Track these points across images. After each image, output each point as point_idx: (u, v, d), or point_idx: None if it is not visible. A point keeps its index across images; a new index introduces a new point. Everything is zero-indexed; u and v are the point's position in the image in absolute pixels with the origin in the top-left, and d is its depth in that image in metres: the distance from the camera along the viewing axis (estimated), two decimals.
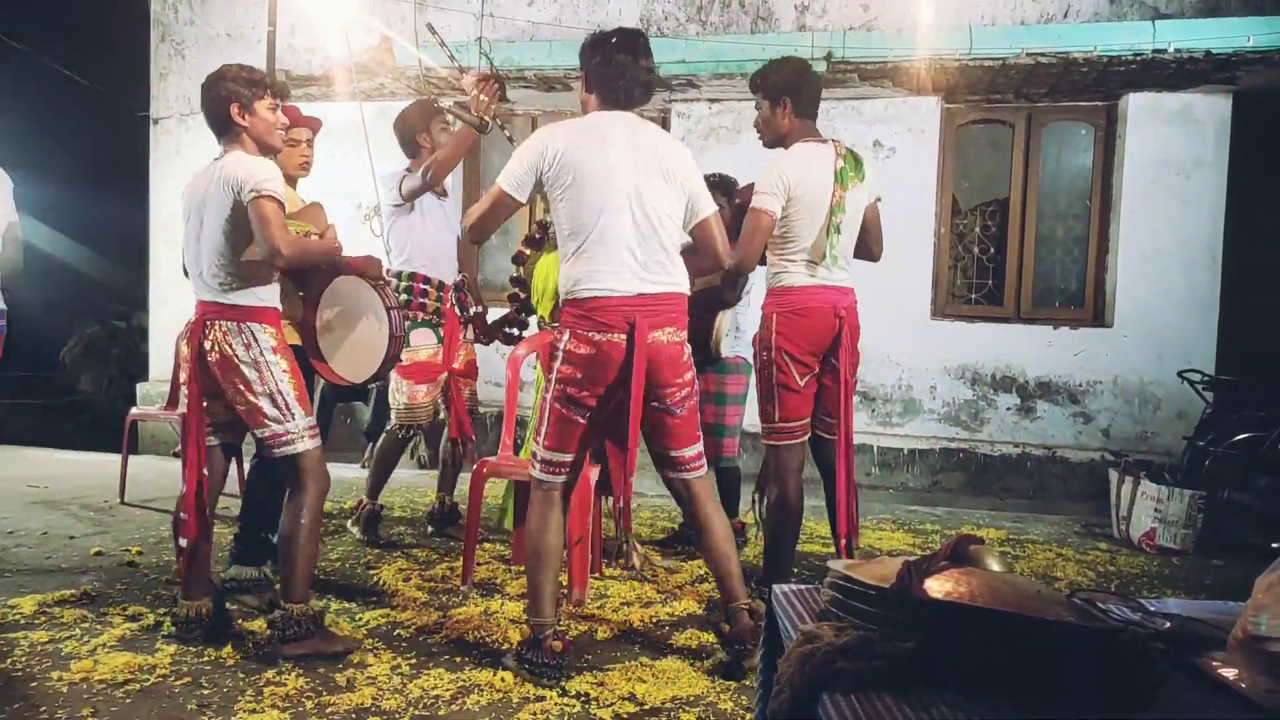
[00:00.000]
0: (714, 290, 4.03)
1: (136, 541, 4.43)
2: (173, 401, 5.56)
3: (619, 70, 2.93)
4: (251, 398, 2.99)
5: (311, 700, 2.73)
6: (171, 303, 7.23)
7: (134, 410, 5.68)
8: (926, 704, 1.18)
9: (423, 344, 4.27)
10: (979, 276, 6.73)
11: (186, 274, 3.24)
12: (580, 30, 6.62)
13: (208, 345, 3.01)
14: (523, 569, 4.12)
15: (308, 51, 7.05)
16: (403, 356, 3.93)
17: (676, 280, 2.92)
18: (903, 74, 5.90)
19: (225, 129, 3.07)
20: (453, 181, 7.06)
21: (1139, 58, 5.53)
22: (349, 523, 4.57)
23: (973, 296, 6.73)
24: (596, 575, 4.01)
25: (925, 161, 6.40)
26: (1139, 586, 4.24)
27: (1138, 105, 6.15)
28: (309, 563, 3.04)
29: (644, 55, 2.96)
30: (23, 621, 3.31)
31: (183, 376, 3.10)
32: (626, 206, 2.84)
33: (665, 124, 6.93)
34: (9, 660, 2.96)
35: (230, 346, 2.98)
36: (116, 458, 5.50)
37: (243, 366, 2.98)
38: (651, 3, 6.67)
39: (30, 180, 9.17)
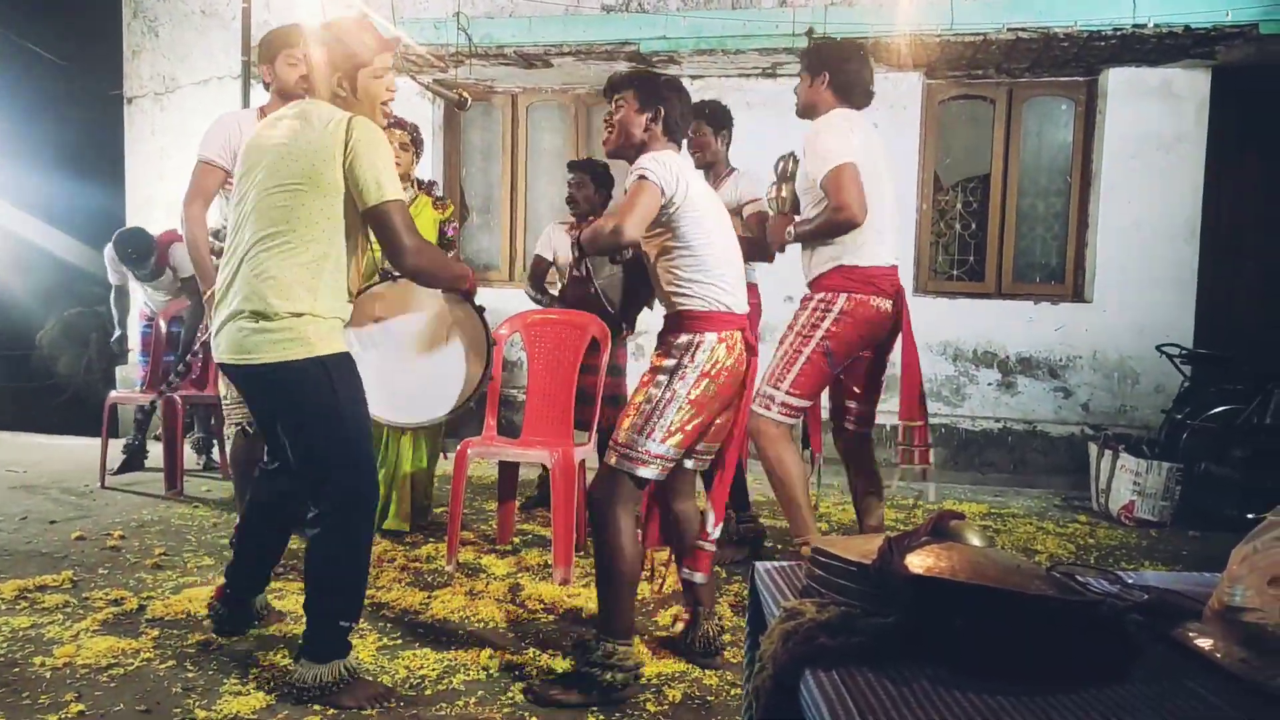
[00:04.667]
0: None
1: (118, 525, 4.41)
2: (152, 384, 5.51)
3: (866, 80, 3.44)
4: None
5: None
6: None
7: (113, 393, 5.64)
8: (908, 678, 1.19)
9: None
10: (960, 253, 6.74)
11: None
12: (560, 6, 6.58)
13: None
14: (506, 547, 4.14)
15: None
16: None
17: None
18: (884, 50, 5.87)
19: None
20: (430, 158, 7.01)
21: (1119, 32, 5.53)
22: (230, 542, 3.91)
23: (954, 273, 6.75)
24: (581, 553, 4.02)
25: (907, 138, 6.39)
26: (1118, 558, 4.29)
27: (1118, 80, 6.16)
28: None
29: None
30: (4, 607, 3.29)
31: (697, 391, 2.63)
32: (889, 190, 3.39)
33: None
34: None
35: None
36: (96, 441, 5.46)
37: None
38: None
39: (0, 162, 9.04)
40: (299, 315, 2.49)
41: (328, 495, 2.57)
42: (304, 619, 2.67)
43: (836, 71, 3.40)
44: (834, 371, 3.32)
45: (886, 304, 3.31)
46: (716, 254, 2.69)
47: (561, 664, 2.89)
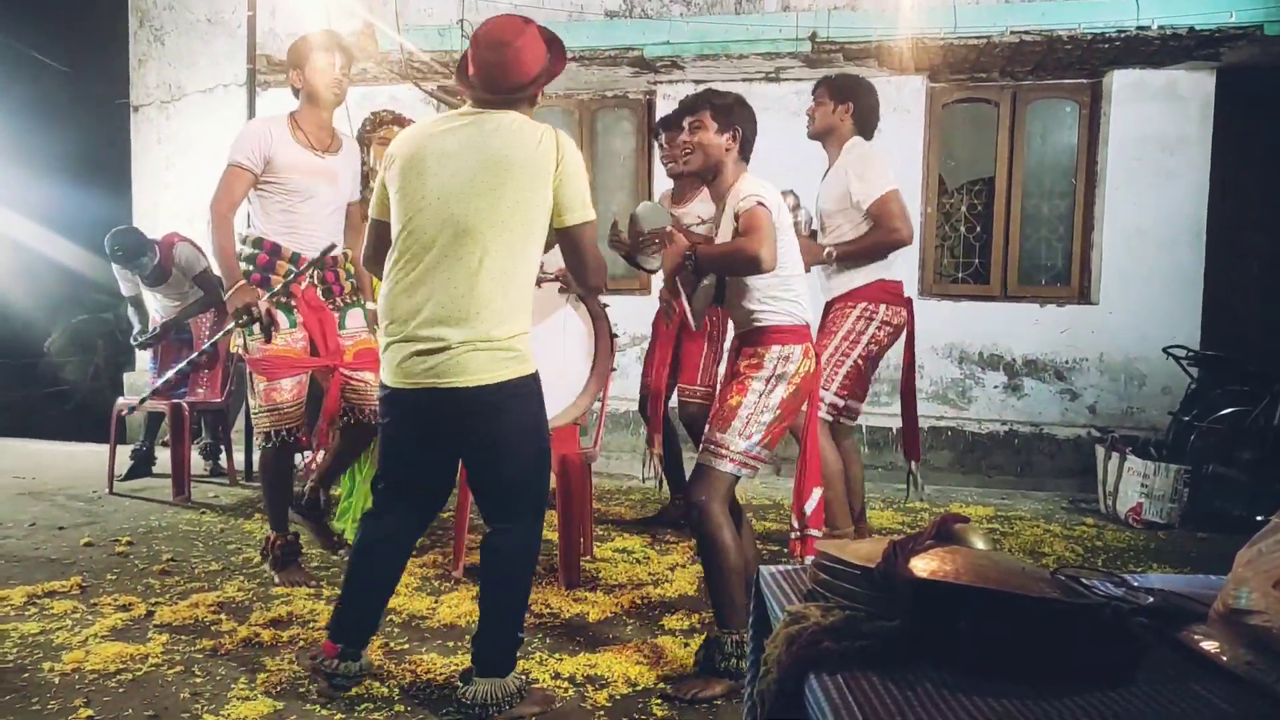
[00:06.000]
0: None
1: (126, 531, 4.42)
2: (164, 391, 5.52)
3: (878, 115, 3.88)
4: None
5: (305, 686, 2.74)
6: None
7: (121, 400, 5.65)
8: (912, 682, 1.19)
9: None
10: (965, 255, 6.74)
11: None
12: (563, 13, 6.60)
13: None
14: None
15: (289, 37, 6.93)
16: (250, 347, 3.53)
17: None
18: (887, 54, 5.88)
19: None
20: None
21: (1123, 34, 5.53)
22: (267, 565, 3.78)
23: (959, 275, 6.74)
24: (588, 558, 4.02)
25: (911, 141, 6.39)
26: (1125, 561, 4.28)
27: (1122, 82, 6.15)
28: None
29: None
30: (13, 613, 3.30)
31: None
32: None
33: (650, 106, 6.90)
34: None
35: None
36: (103, 448, 5.48)
37: None
38: None
39: (6, 170, 9.08)
40: (519, 335, 2.46)
41: (526, 507, 2.56)
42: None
43: (859, 104, 3.73)
44: (871, 375, 3.72)
45: (904, 312, 3.76)
46: (796, 272, 2.86)
47: (569, 667, 2.89)
